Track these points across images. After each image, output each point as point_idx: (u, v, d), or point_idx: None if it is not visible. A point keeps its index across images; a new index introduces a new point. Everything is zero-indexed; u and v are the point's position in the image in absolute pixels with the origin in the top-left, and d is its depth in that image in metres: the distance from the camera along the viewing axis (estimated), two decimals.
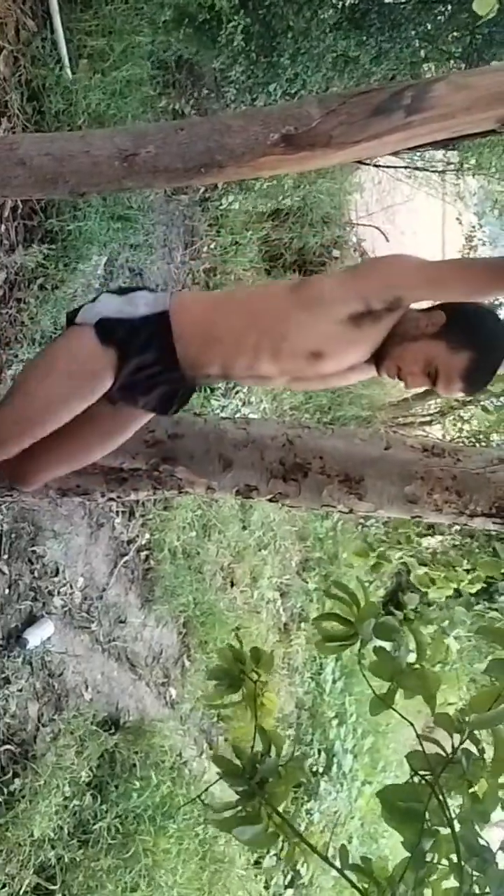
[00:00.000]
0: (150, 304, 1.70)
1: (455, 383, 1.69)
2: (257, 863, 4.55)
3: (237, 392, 4.84)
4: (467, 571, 4.05)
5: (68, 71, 3.27)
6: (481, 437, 5.90)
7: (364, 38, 3.57)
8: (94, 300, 1.78)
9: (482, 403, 5.56)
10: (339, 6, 3.75)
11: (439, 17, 3.69)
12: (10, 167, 1.43)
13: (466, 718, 1.22)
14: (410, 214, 7.25)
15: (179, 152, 1.37)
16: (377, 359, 1.75)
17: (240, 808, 1.32)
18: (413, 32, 3.64)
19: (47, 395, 1.70)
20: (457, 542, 4.73)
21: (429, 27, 3.73)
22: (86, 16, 3.33)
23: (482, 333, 1.67)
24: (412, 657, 1.36)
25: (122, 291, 1.80)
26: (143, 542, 3.97)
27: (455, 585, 3.94)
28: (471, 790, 1.26)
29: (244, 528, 4.94)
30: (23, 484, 1.99)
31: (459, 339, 1.65)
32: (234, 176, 1.44)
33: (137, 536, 3.92)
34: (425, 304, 1.79)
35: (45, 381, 1.71)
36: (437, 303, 1.77)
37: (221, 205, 4.43)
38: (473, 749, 1.26)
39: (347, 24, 3.65)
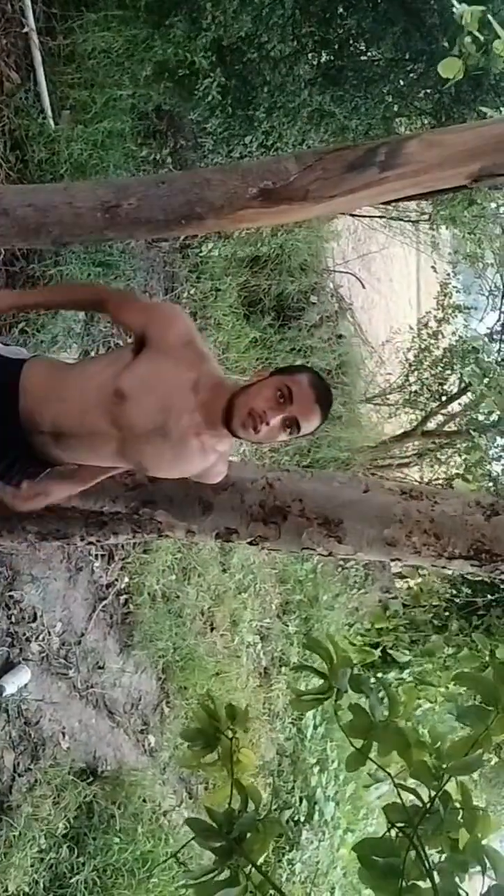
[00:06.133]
0: (13, 352, 1.81)
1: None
2: None
3: None
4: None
5: (51, 122, 3.34)
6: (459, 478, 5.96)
7: (339, 93, 3.69)
8: None
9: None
10: (315, 63, 3.88)
11: (411, 75, 3.83)
12: None
13: (444, 766, 1.21)
14: (386, 262, 7.41)
15: (161, 205, 1.41)
16: (228, 422, 1.66)
17: (217, 869, 1.29)
18: (385, 89, 3.76)
19: None
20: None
21: (401, 84, 3.86)
22: (69, 69, 3.42)
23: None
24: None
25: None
26: (123, 586, 3.94)
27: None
28: (450, 838, 1.25)
29: (224, 570, 4.92)
30: None
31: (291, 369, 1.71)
32: (214, 227, 1.48)
33: (116, 580, 3.90)
34: None
35: None
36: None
37: (201, 252, 4.51)
38: (452, 795, 1.25)
39: (323, 80, 3.77)
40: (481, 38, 2.47)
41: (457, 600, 4.40)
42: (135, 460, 1.76)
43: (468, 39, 2.47)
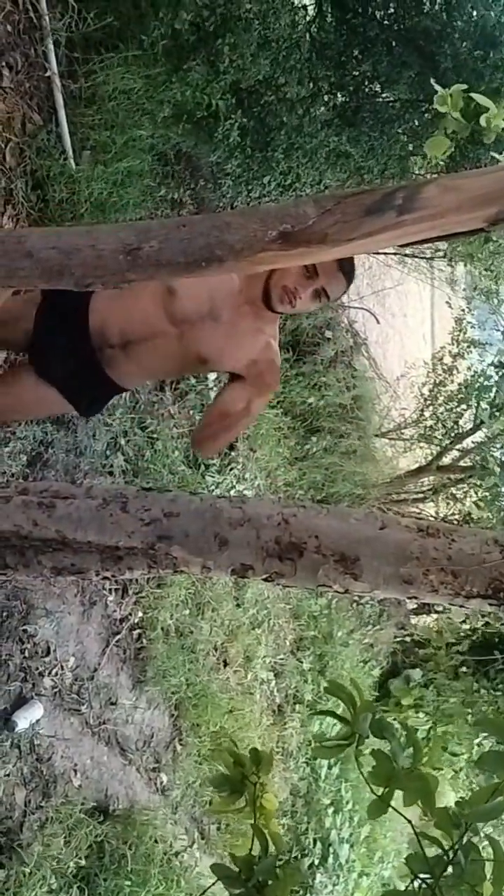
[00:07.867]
0: None
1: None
2: None
3: (231, 469, 4.87)
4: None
5: (72, 162, 3.41)
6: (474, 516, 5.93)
7: (355, 134, 3.76)
8: None
9: (476, 500, 5.63)
10: (332, 105, 3.96)
11: (425, 115, 3.89)
12: (18, 259, 1.48)
13: (465, 812, 1.19)
14: (400, 297, 7.46)
15: (181, 247, 1.43)
16: (267, 302, 1.93)
17: None
18: (400, 129, 3.83)
19: None
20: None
21: (416, 124, 3.93)
22: (89, 111, 3.50)
23: None
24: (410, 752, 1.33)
25: None
26: (136, 621, 3.92)
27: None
28: (475, 891, 1.22)
29: (238, 605, 4.89)
30: None
31: None
32: (233, 269, 1.50)
33: (130, 614, 3.88)
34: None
35: None
36: None
37: None
38: (474, 843, 1.22)
39: (339, 121, 3.84)
40: (464, 121, 2.50)
41: (474, 638, 4.35)
42: (194, 351, 1.98)
43: (456, 115, 2.50)
